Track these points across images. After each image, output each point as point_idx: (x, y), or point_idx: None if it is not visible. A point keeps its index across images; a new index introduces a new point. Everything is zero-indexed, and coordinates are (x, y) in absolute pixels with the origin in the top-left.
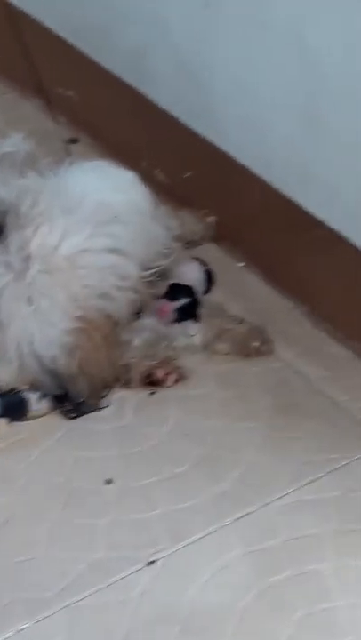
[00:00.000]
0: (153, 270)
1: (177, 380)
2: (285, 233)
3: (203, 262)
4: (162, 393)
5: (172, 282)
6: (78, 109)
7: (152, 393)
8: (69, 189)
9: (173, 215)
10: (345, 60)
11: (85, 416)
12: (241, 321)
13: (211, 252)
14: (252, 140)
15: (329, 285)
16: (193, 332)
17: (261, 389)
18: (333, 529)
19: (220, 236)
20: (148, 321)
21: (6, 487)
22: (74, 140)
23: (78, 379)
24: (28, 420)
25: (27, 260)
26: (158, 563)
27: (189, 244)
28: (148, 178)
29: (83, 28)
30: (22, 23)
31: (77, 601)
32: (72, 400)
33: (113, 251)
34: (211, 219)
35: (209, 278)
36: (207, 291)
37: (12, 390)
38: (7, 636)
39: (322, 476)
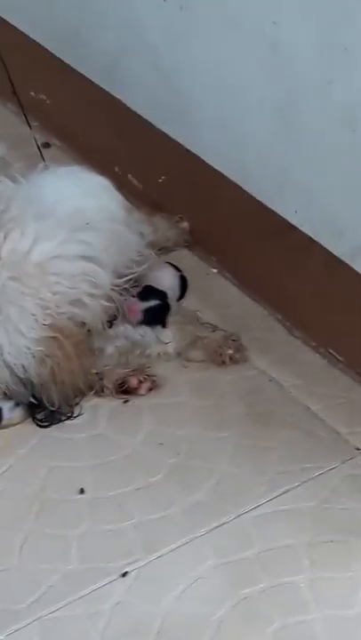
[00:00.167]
0: (127, 278)
1: (150, 389)
2: (260, 239)
3: (177, 268)
4: (135, 401)
5: (147, 284)
6: (50, 113)
7: (125, 401)
8: (42, 195)
9: (147, 221)
10: (318, 61)
11: (59, 424)
12: (215, 328)
13: (184, 257)
14: (227, 144)
15: (304, 292)
16: (167, 340)
17: (236, 397)
18: (308, 540)
19: (193, 241)
20: (121, 329)
21: None
22: (46, 145)
23: (50, 387)
24: (1, 428)
25: None
26: (132, 574)
27: (163, 249)
28: (121, 183)
29: (55, 31)
30: None
31: (49, 613)
32: (45, 408)
33: (85, 258)
34: (184, 224)
35: (183, 284)
36: (181, 297)
37: None
38: None
39: (297, 486)
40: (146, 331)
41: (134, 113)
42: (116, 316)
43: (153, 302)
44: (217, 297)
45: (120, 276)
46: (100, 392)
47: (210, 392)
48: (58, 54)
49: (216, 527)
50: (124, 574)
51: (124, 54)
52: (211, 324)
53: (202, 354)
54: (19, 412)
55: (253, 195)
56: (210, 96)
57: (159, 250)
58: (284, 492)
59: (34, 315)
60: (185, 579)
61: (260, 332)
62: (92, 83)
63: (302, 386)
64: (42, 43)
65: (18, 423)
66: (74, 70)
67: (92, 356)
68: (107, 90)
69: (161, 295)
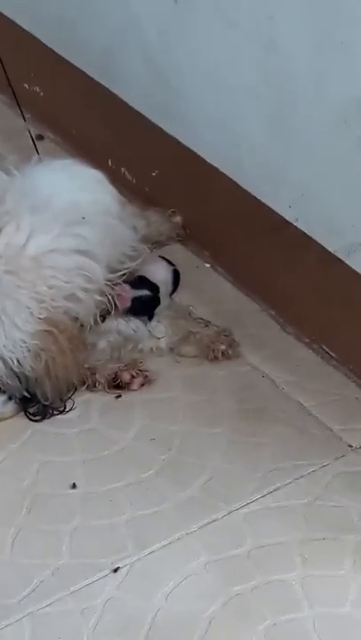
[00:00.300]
0: (120, 273)
1: (143, 384)
2: (254, 234)
3: (170, 262)
4: (128, 396)
5: (141, 275)
6: (44, 106)
7: (118, 396)
8: (37, 188)
9: (140, 215)
10: (314, 59)
11: (51, 419)
12: (208, 323)
13: (177, 252)
14: (222, 139)
15: (297, 288)
16: (159, 335)
17: (228, 393)
18: (300, 537)
19: (187, 236)
20: (113, 323)
21: None
22: (39, 137)
23: (44, 381)
24: None
25: None
26: (123, 570)
27: (156, 244)
28: (114, 176)
29: (50, 23)
30: None
31: (40, 608)
32: (37, 402)
33: (80, 252)
34: (177, 218)
35: (176, 278)
36: (173, 291)
37: None
38: None
39: (289, 483)
40: (138, 325)
41: (128, 106)
42: (108, 310)
43: (144, 292)
44: (210, 292)
45: (113, 271)
46: (92, 387)
47: (202, 387)
48: (52, 46)
49: (208, 523)
50: (116, 570)
51: (119, 47)
52: (203, 319)
53: (194, 349)
54: (11, 407)
55: (247, 189)
56: (205, 91)
57: (152, 244)
58: (277, 489)
59: (29, 308)
60: (177, 575)
61: (254, 328)
62: (86, 75)
63: (295, 382)
64: (36, 35)
65: (10, 417)
66: (68, 63)
67: (85, 351)
68: (101, 83)
69: (153, 287)
